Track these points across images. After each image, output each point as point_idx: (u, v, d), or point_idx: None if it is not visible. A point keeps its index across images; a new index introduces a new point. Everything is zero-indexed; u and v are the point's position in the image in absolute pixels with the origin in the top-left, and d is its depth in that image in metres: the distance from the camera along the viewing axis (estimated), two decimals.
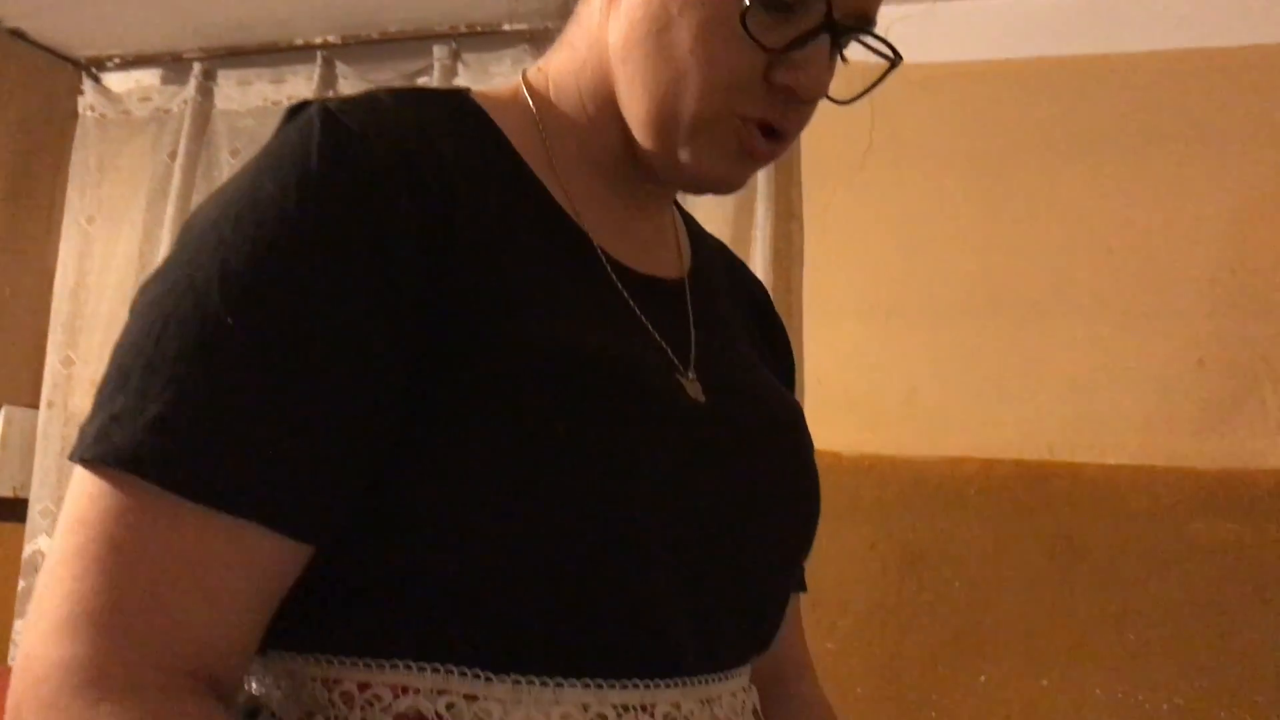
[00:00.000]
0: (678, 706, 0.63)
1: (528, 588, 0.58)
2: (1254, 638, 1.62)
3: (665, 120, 0.65)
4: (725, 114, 0.64)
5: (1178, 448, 1.68)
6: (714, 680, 0.66)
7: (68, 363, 2.39)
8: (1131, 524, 1.69)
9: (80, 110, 2.47)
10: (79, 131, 2.46)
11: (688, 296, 0.74)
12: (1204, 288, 1.69)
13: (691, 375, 0.68)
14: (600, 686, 0.60)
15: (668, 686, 0.62)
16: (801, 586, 0.86)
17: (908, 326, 1.85)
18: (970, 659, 1.76)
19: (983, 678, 1.75)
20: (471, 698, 0.58)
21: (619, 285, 0.68)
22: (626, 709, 0.60)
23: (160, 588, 0.52)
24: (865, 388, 1.87)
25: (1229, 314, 1.67)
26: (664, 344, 0.68)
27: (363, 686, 0.58)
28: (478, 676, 0.58)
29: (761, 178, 1.84)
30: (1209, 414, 1.67)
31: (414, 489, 0.57)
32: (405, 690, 0.58)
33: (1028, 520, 1.74)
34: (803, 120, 0.67)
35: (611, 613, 0.60)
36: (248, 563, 0.54)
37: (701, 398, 0.67)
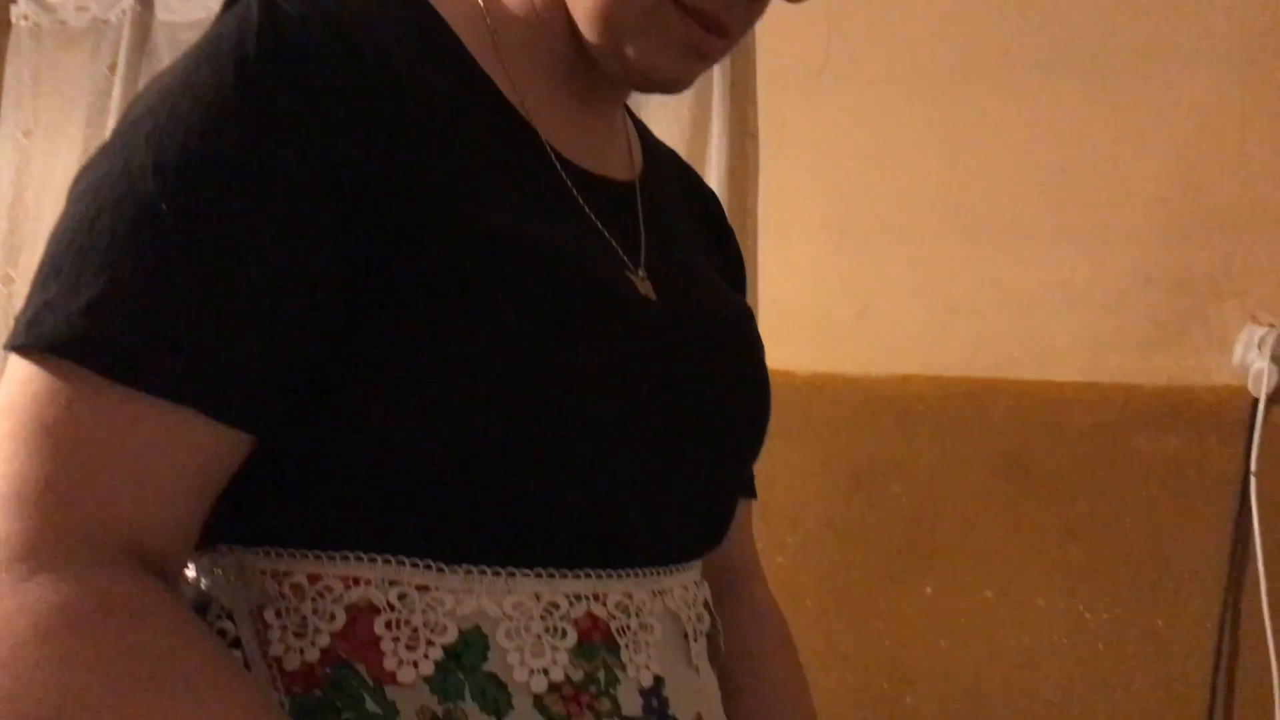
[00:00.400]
0: (629, 596, 0.63)
1: (479, 478, 0.58)
2: (1192, 549, 1.67)
3: (608, 13, 0.65)
4: (664, 1, 0.64)
5: (1124, 365, 1.71)
6: (665, 572, 0.66)
7: (7, 280, 2.34)
8: (1076, 439, 1.72)
9: (13, 19, 2.39)
10: (12, 41, 2.38)
11: (638, 199, 0.73)
12: (1153, 207, 1.71)
13: (642, 274, 0.68)
14: (553, 576, 0.61)
15: (620, 577, 0.63)
16: (751, 493, 0.87)
17: (861, 245, 1.85)
18: (917, 572, 1.80)
19: (929, 590, 1.79)
20: (423, 588, 0.58)
21: (568, 182, 0.67)
22: (578, 598, 0.61)
23: (93, 469, 0.52)
24: (818, 306, 1.87)
25: (1176, 234, 1.69)
26: (614, 242, 0.67)
27: (313, 578, 0.58)
28: (429, 567, 0.58)
29: (717, 93, 1.82)
30: (1155, 332, 1.70)
31: (362, 378, 0.57)
32: (356, 581, 0.58)
33: (975, 437, 1.77)
34: (747, 16, 0.67)
35: (563, 503, 0.61)
36: (181, 448, 0.53)
37: (653, 296, 0.67)
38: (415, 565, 0.58)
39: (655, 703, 0.63)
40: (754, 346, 0.77)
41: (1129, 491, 1.70)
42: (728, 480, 0.75)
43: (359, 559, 0.58)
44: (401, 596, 0.58)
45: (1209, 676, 1.64)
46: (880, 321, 1.84)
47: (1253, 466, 1.60)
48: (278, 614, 0.58)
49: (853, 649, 1.81)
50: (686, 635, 0.67)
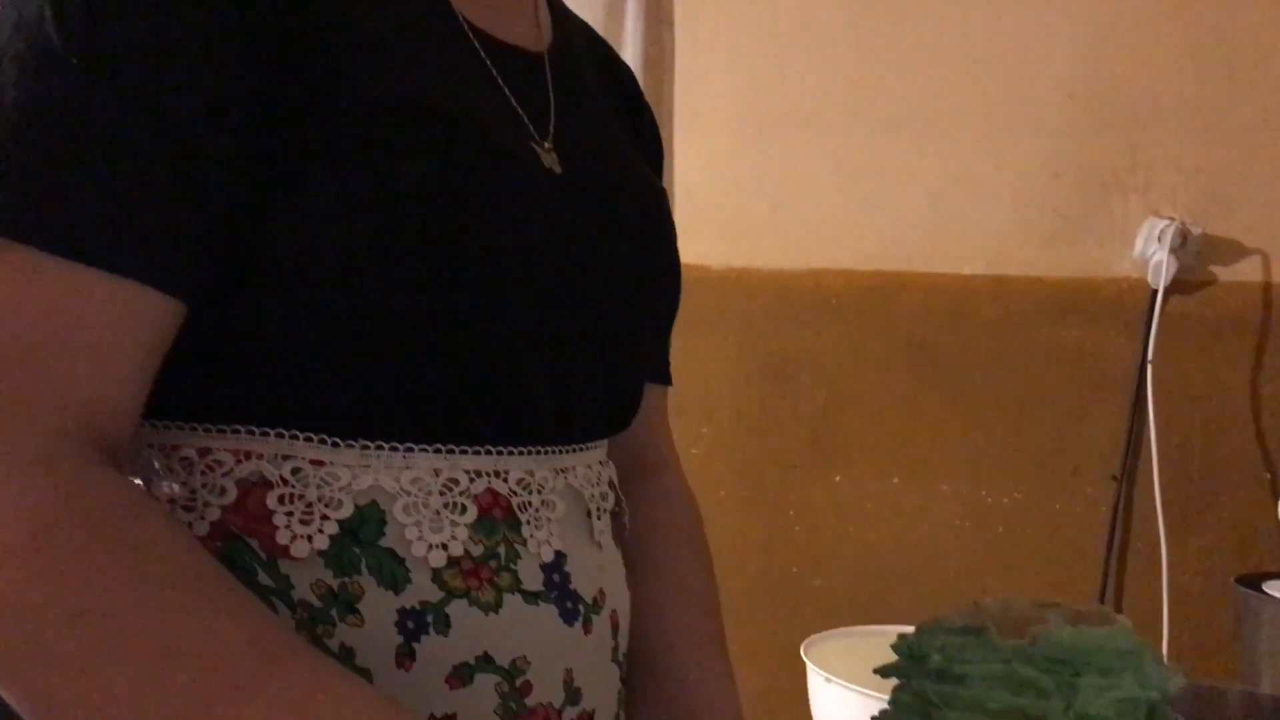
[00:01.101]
0: (531, 474, 0.63)
1: (375, 351, 0.57)
2: (1089, 436, 1.73)
3: None
4: None
5: (1029, 258, 1.74)
6: (569, 451, 0.66)
7: None
8: (982, 331, 1.76)
9: None
10: None
11: (547, 69, 0.71)
12: (1061, 102, 1.72)
13: (548, 145, 0.66)
14: (453, 452, 0.60)
15: (522, 454, 0.63)
16: (665, 380, 0.87)
17: (775, 138, 1.84)
18: (827, 461, 1.84)
19: (838, 478, 1.84)
20: (318, 463, 0.58)
21: (477, 48, 0.65)
22: (479, 474, 0.61)
23: (47, 348, 0.50)
24: (733, 200, 1.87)
25: (1083, 128, 1.71)
26: (521, 112, 0.66)
27: (203, 452, 0.57)
28: (324, 442, 0.58)
29: None
30: (1060, 225, 1.73)
31: (258, 248, 0.55)
32: (247, 455, 0.57)
33: (885, 329, 1.80)
34: None
35: (464, 377, 0.60)
36: (131, 322, 0.52)
37: (558, 169, 0.66)
38: (310, 440, 0.58)
39: (557, 577, 0.64)
40: (664, 225, 0.76)
41: (1031, 381, 1.75)
42: (634, 360, 0.74)
43: (250, 433, 0.57)
44: (295, 471, 0.57)
45: (1102, 556, 1.72)
46: (794, 215, 1.84)
47: (1150, 355, 1.66)
48: (167, 488, 0.57)
49: (764, 536, 1.86)
50: (590, 513, 0.68)
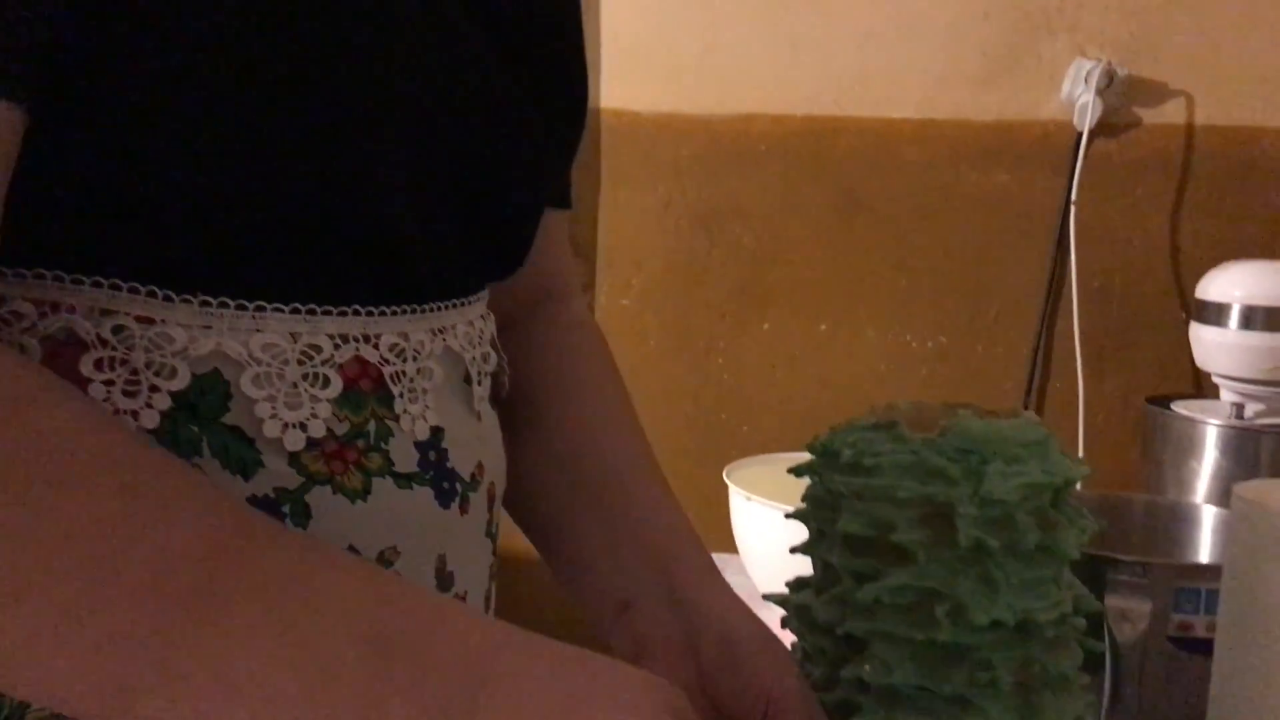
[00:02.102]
0: (405, 337, 0.55)
1: (217, 191, 0.48)
2: (1012, 280, 1.76)
3: None
4: None
5: (958, 101, 1.73)
6: (449, 307, 0.59)
7: None
8: (910, 176, 1.76)
9: None
10: None
11: None
12: None
13: None
14: (314, 314, 0.51)
15: (394, 314, 0.54)
16: (565, 203, 0.78)
17: None
18: (755, 309, 1.85)
19: (766, 326, 1.85)
20: (146, 321, 0.48)
21: None
22: (345, 339, 0.52)
23: None
24: (662, 45, 1.83)
25: None
26: None
27: None
28: (154, 295, 0.48)
29: None
30: (988, 67, 1.72)
31: (76, 61, 0.45)
32: (55, 307, 0.47)
33: (814, 175, 1.79)
34: None
35: (326, 222, 0.51)
36: None
37: None
38: (136, 292, 0.47)
39: (433, 455, 0.56)
40: (562, 34, 0.67)
41: (957, 225, 1.76)
42: (526, 194, 0.65)
43: (60, 280, 0.47)
44: (117, 330, 0.47)
45: (1022, 399, 1.76)
46: (724, 60, 1.81)
47: (1073, 197, 1.67)
48: None
49: (694, 384, 1.87)
50: (470, 378, 0.60)
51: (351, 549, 0.52)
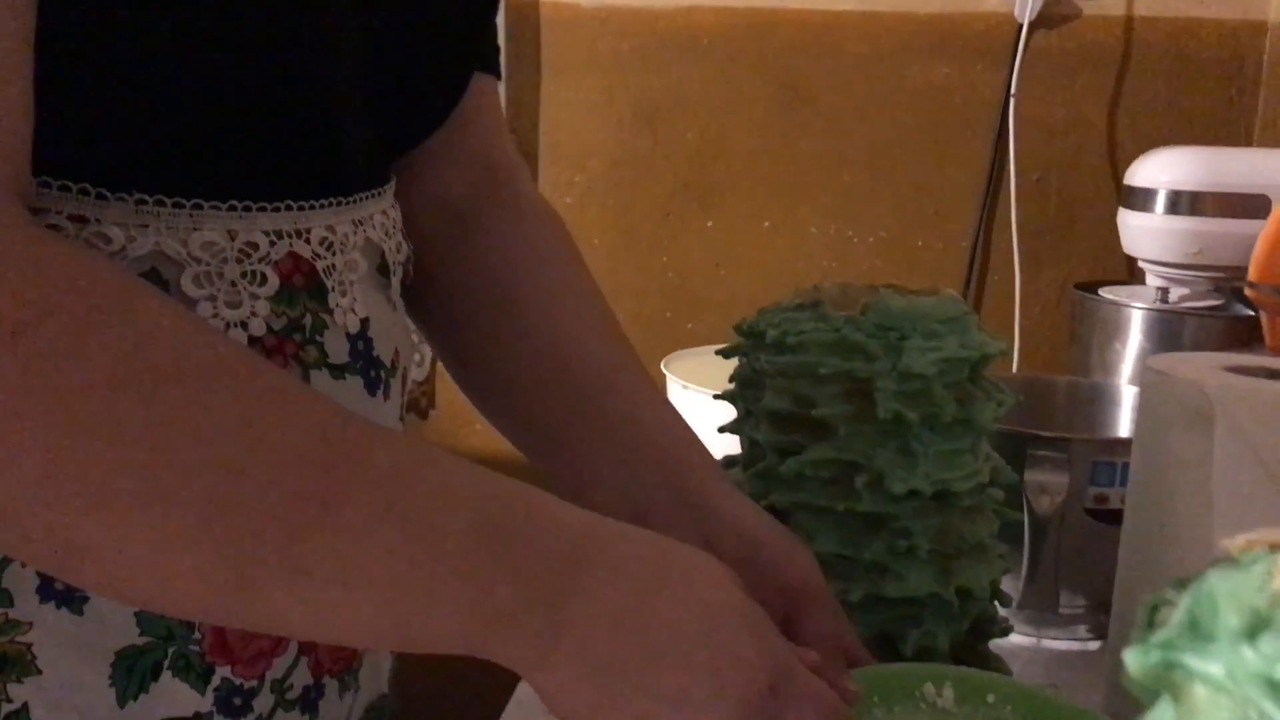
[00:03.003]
0: (333, 230, 0.55)
1: (154, 84, 0.47)
2: (952, 174, 1.77)
3: None
4: None
5: None
6: (368, 198, 0.59)
7: None
8: (853, 69, 1.75)
9: None
10: None
11: None
12: None
13: None
14: (249, 210, 0.51)
15: (323, 207, 0.54)
16: (493, 69, 0.75)
17: None
18: (699, 206, 1.85)
19: (710, 223, 1.85)
20: (79, 220, 0.46)
21: None
22: (279, 235, 0.52)
23: None
24: None
25: None
26: None
27: None
28: (86, 194, 0.46)
29: None
30: None
31: None
32: None
33: (757, 69, 1.78)
34: None
35: (262, 115, 0.51)
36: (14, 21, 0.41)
37: None
38: (67, 190, 0.46)
39: (361, 345, 0.57)
40: None
41: (898, 119, 1.76)
42: (440, 61, 0.64)
43: None
44: (51, 229, 0.45)
45: (961, 291, 1.79)
46: None
47: (1013, 90, 1.68)
48: None
49: (638, 282, 1.88)
50: (387, 268, 0.61)
51: None
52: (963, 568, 0.67)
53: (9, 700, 0.50)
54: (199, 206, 0.49)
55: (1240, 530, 0.59)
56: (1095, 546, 0.80)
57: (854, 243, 1.81)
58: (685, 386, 1.01)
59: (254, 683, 0.55)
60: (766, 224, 1.83)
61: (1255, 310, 0.92)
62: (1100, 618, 0.83)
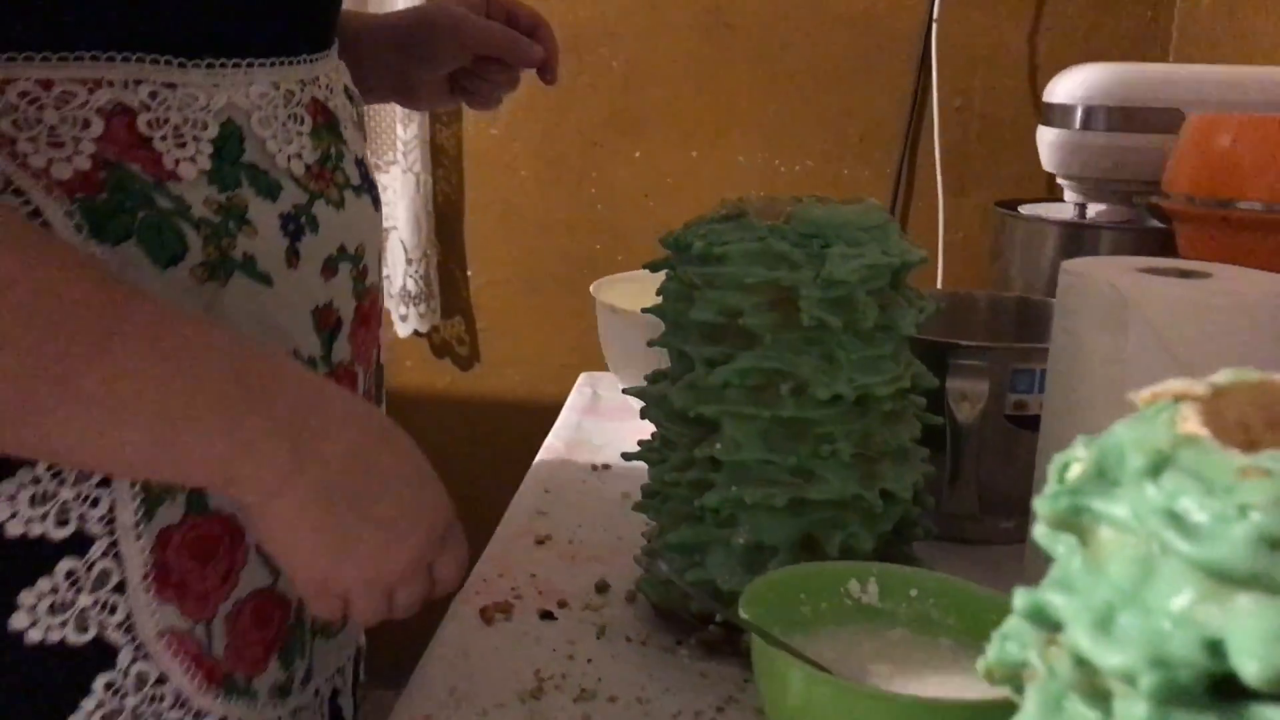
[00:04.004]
0: (329, 77, 0.69)
1: None
2: (877, 102, 1.77)
3: None
4: None
5: None
6: (332, 51, 0.71)
7: None
8: None
9: None
10: None
11: None
12: None
13: None
14: (283, 64, 0.63)
15: (317, 60, 0.67)
16: None
17: None
18: (626, 135, 1.84)
19: (638, 153, 1.84)
20: (170, 86, 0.58)
21: None
22: (304, 84, 0.65)
23: None
24: None
25: None
26: None
27: (44, 85, 0.54)
28: (170, 63, 0.57)
29: None
30: None
31: None
32: (98, 84, 0.56)
33: None
34: None
35: None
36: None
37: None
38: (156, 62, 0.57)
39: (363, 170, 0.71)
40: None
41: (823, 47, 1.76)
42: None
43: (95, 59, 0.55)
44: (152, 95, 0.57)
45: None
46: None
47: (935, 15, 1.68)
48: (15, 125, 0.54)
49: (567, 213, 1.87)
50: (354, 103, 0.73)
51: (342, 248, 0.67)
52: (885, 471, 0.68)
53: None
54: (251, 65, 0.61)
55: None
56: (1014, 451, 0.82)
57: (781, 171, 1.82)
58: (614, 310, 1.01)
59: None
60: (694, 153, 1.83)
61: (1168, 223, 0.94)
62: (1018, 521, 0.86)
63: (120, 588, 0.57)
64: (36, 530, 0.55)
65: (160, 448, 0.50)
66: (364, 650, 0.80)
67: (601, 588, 0.78)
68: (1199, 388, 0.28)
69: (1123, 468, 0.26)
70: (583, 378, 1.32)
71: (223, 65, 0.60)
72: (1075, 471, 0.28)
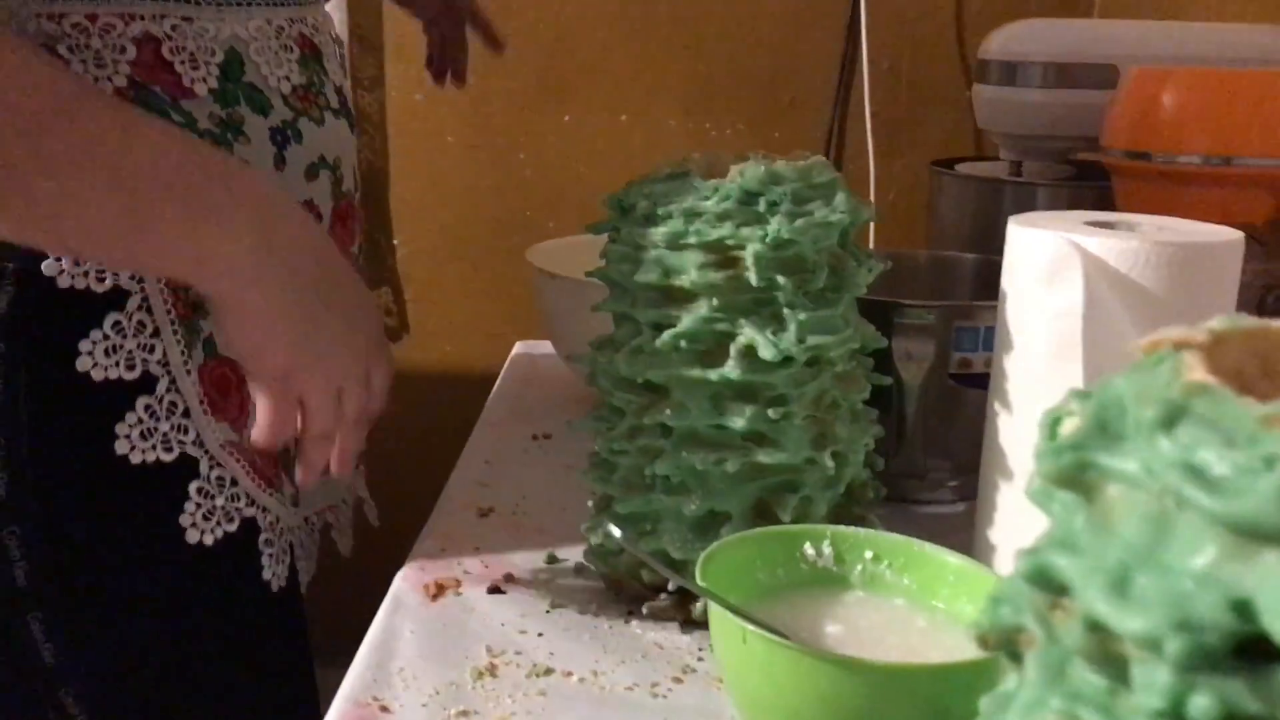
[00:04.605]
0: (316, 15, 0.83)
1: None
2: (806, 65, 1.76)
3: None
4: None
5: None
6: None
7: None
8: None
9: None
10: None
11: None
12: None
13: None
14: (277, 6, 0.78)
15: (313, 5, 0.83)
16: None
17: None
18: (555, 101, 1.80)
19: (567, 118, 1.81)
20: (188, 20, 0.72)
21: None
22: (292, 21, 0.79)
23: None
24: None
25: None
26: None
27: (91, 18, 0.69)
28: (187, 2, 0.72)
29: None
30: None
31: None
32: (132, 17, 0.70)
33: None
34: None
35: None
36: None
37: None
38: (177, 1, 0.72)
39: (341, 95, 0.85)
40: None
41: (752, 10, 1.74)
42: None
43: None
44: (174, 28, 0.72)
45: None
46: None
47: None
48: (70, 49, 0.68)
49: (496, 180, 1.83)
50: (336, 44, 0.87)
51: (322, 158, 0.80)
52: (838, 433, 0.67)
53: None
54: (250, 4, 0.75)
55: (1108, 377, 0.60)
56: (958, 410, 0.82)
57: (711, 135, 1.80)
58: (553, 276, 0.98)
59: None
60: (624, 117, 1.80)
61: (1104, 179, 0.94)
62: (964, 479, 0.86)
63: (186, 414, 0.73)
64: (114, 374, 0.70)
65: (131, 219, 0.55)
66: (368, 505, 0.96)
67: (550, 560, 0.76)
68: (1199, 335, 0.27)
69: (1125, 421, 0.25)
70: (518, 346, 1.29)
71: (228, 5, 0.74)
72: (1069, 426, 0.27)
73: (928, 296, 0.92)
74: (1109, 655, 0.23)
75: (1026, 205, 0.98)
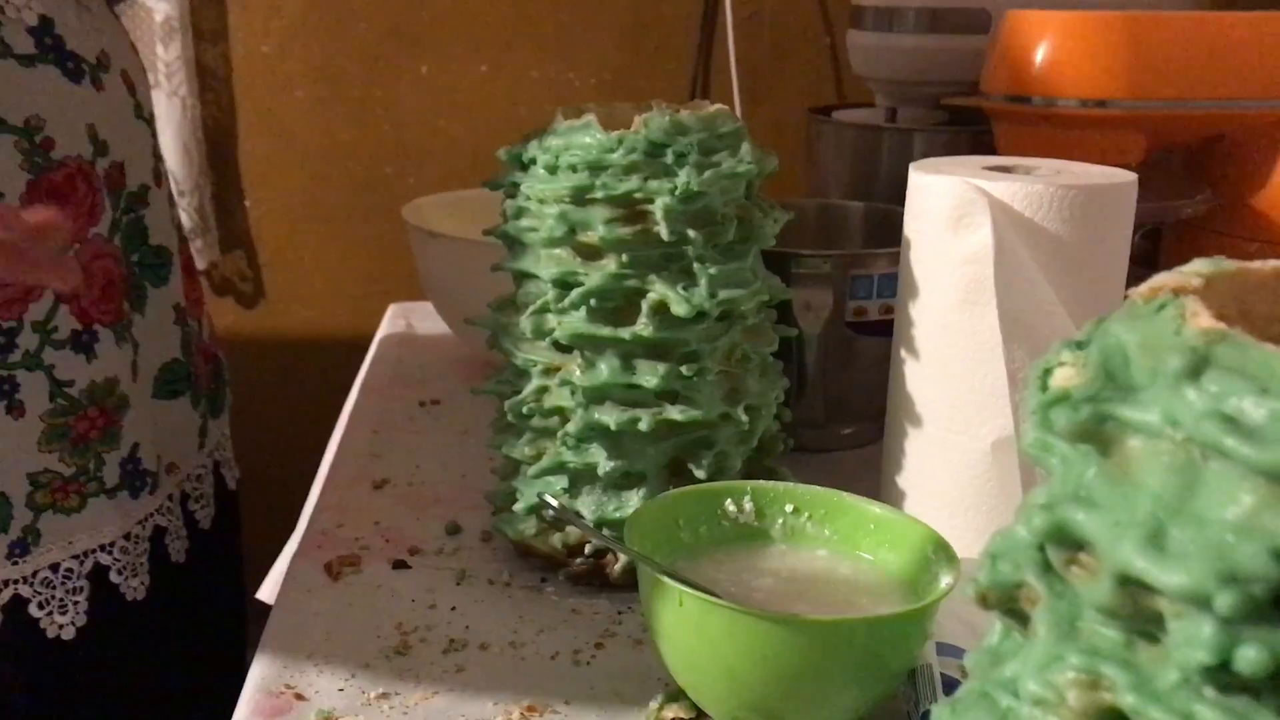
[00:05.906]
0: None
1: None
2: (668, 12, 1.74)
3: None
4: None
5: None
6: None
7: None
8: None
9: None
10: None
11: None
12: None
13: None
14: None
15: None
16: None
17: None
18: (410, 51, 1.74)
19: (424, 69, 1.75)
20: None
21: None
22: None
23: None
24: None
25: None
26: None
27: None
28: None
29: None
30: None
31: None
32: None
33: None
34: None
35: None
36: None
37: None
38: None
39: (49, 40, 0.71)
40: None
41: None
42: None
43: None
44: None
45: None
46: None
47: None
48: None
49: (352, 136, 1.76)
50: None
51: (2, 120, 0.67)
52: (750, 387, 0.67)
53: None
54: None
55: (1020, 320, 0.61)
56: (854, 358, 0.82)
57: (575, 85, 1.77)
58: (435, 235, 0.95)
59: (13, 322, 0.69)
60: (484, 68, 1.75)
61: (980, 124, 0.96)
62: (859, 426, 0.86)
63: None
64: None
65: None
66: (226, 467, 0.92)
67: (453, 530, 0.74)
68: (1193, 280, 0.26)
69: (1131, 370, 0.25)
70: (393, 309, 1.25)
71: None
72: (1063, 378, 0.27)
73: (817, 245, 0.92)
74: (1140, 611, 0.23)
75: (904, 151, 0.98)
